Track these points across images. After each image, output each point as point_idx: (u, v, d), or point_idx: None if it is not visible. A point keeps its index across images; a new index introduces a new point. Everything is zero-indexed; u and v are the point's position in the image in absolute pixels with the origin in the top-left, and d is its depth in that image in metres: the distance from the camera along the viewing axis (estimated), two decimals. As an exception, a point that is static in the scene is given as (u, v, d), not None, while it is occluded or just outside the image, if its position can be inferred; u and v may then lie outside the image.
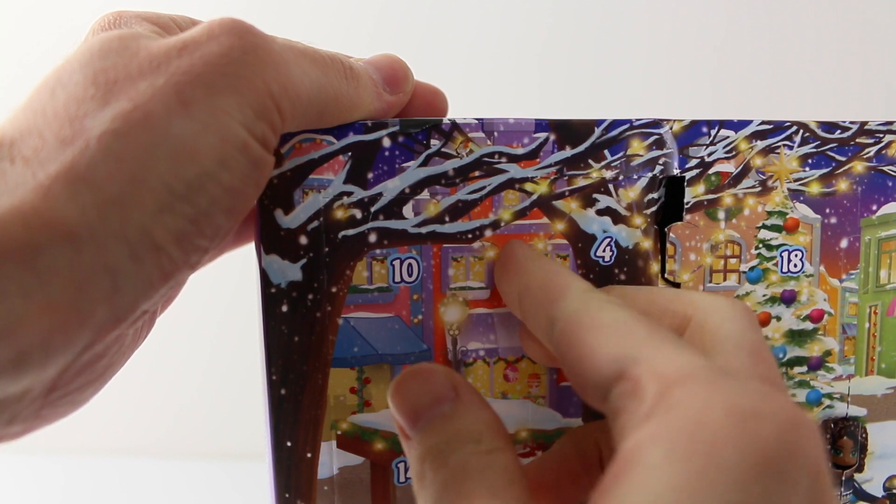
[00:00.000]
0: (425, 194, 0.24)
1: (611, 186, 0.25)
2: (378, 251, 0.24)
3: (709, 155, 0.25)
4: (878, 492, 0.28)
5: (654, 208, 0.26)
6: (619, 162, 0.25)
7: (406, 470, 0.26)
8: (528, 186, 0.25)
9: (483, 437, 0.20)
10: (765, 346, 0.19)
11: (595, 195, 0.25)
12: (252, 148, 0.20)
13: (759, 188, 0.26)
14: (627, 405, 0.17)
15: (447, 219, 0.25)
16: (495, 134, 0.24)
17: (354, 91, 0.23)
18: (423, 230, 0.25)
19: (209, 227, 0.20)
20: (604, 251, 0.25)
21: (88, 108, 0.19)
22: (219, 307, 0.72)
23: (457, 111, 0.27)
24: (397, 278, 0.25)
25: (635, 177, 0.25)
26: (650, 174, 0.25)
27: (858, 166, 0.26)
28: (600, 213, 0.25)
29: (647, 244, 0.26)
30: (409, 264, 0.25)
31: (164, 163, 0.18)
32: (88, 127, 0.18)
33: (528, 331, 0.24)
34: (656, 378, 0.17)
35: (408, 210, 0.24)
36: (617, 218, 0.25)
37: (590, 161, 0.25)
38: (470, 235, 0.25)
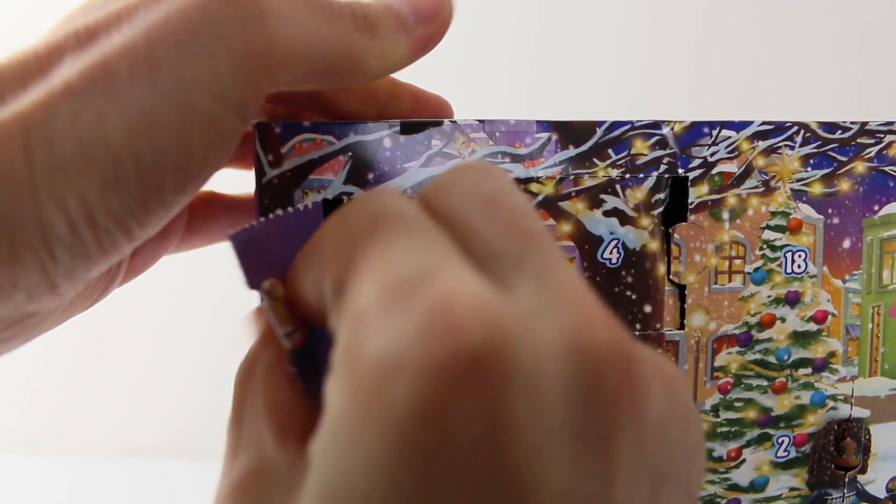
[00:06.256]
0: None
1: (618, 187, 0.25)
2: None
3: (711, 155, 0.25)
4: (881, 493, 0.28)
5: (660, 209, 0.25)
6: (624, 160, 0.25)
7: None
8: (534, 187, 0.24)
9: None
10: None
11: (602, 195, 0.25)
12: (221, 122, 0.18)
13: (763, 188, 0.26)
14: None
15: None
16: (497, 135, 0.24)
17: (370, 42, 0.21)
18: None
19: (157, 205, 0.18)
20: (611, 253, 0.25)
21: (62, 58, 0.18)
22: (220, 308, 0.71)
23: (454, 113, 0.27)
24: None
25: (641, 176, 0.25)
26: (656, 173, 0.25)
27: (860, 166, 0.26)
28: (607, 214, 0.25)
29: (654, 245, 0.25)
30: None
31: (117, 133, 0.17)
32: (55, 77, 0.17)
33: None
34: (348, 317, 0.14)
35: None
36: (624, 219, 0.25)
37: (594, 160, 0.25)
38: None
